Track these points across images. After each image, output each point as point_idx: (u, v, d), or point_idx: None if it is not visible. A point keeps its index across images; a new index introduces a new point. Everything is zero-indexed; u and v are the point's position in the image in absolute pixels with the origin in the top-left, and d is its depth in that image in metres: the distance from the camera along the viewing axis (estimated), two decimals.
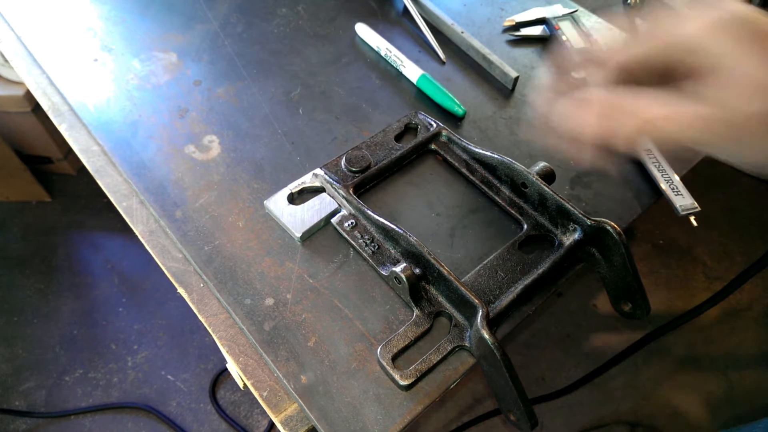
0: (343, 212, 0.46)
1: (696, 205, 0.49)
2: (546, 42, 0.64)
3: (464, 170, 0.51)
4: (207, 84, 0.57)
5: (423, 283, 0.43)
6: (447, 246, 0.47)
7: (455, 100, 0.55)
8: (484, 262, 0.44)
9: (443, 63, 0.61)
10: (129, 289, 1.39)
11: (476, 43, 0.61)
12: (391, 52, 0.60)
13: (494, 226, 0.48)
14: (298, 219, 0.46)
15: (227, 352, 0.42)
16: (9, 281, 1.39)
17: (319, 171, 0.49)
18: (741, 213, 1.55)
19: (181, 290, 0.45)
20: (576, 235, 0.44)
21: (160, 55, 0.59)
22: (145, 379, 1.26)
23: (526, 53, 0.63)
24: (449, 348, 0.40)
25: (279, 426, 0.40)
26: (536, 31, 0.65)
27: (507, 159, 0.47)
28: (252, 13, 0.65)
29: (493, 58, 0.60)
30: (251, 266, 0.45)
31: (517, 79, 0.58)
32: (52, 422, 1.20)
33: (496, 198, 0.49)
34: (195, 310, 0.44)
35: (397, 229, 0.42)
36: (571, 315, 1.36)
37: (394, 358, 0.39)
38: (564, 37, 0.61)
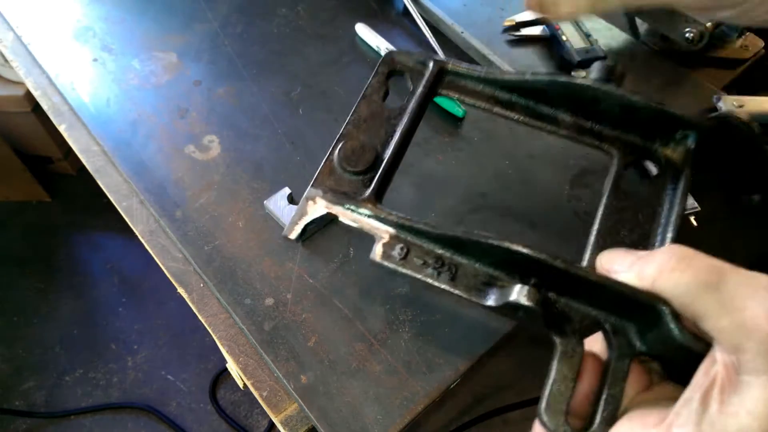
0: (381, 240, 0.34)
1: (696, 204, 0.49)
2: (546, 42, 0.64)
3: (498, 108, 0.39)
4: (207, 84, 0.57)
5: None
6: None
7: (455, 100, 0.55)
8: (594, 230, 0.34)
9: None
10: (129, 289, 1.39)
11: (476, 43, 0.61)
12: None
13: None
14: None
15: (227, 352, 0.42)
16: (9, 281, 1.39)
17: (314, 193, 0.37)
18: (741, 213, 1.55)
19: (181, 290, 0.45)
20: (689, 143, 0.35)
21: (160, 55, 0.59)
22: (145, 379, 1.26)
23: (526, 53, 0.63)
24: (626, 367, 0.28)
25: (279, 426, 0.40)
26: (536, 31, 0.65)
27: (560, 76, 0.35)
28: (252, 13, 0.65)
29: (493, 58, 0.60)
30: (251, 266, 0.45)
31: None
32: (52, 422, 1.20)
33: (558, 130, 0.38)
34: (195, 310, 0.44)
35: (484, 240, 0.30)
36: None
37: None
38: (564, 37, 0.61)
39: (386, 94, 0.41)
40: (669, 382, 0.28)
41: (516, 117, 0.38)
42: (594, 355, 0.29)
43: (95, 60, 0.58)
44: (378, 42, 0.61)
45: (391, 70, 0.41)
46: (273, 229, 0.47)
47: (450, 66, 0.40)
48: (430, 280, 0.33)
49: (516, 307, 0.29)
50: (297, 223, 0.37)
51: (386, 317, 0.42)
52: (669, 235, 0.33)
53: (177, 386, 1.26)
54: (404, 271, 0.33)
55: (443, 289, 0.32)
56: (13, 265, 1.42)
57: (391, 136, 0.39)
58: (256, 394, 0.41)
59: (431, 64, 0.40)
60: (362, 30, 0.62)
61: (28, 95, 1.28)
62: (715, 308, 0.23)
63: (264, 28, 0.63)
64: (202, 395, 1.24)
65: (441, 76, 0.40)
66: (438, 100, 0.56)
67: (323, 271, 0.45)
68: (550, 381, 0.28)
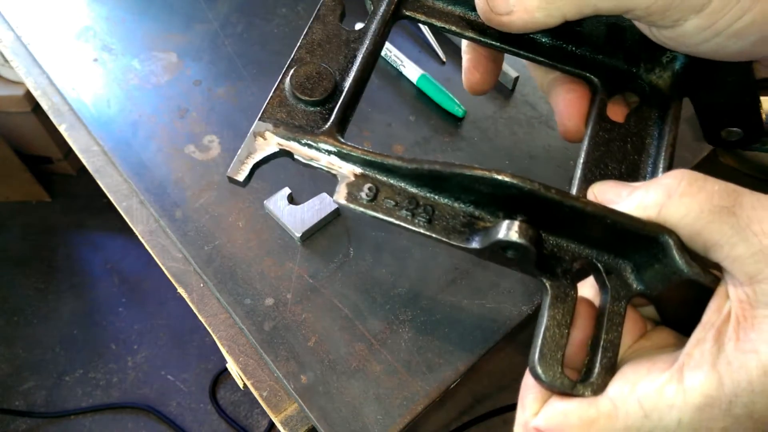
0: (346, 179, 0.29)
1: None
2: None
3: (471, 33, 0.34)
4: (207, 84, 0.57)
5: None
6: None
7: (455, 100, 0.55)
8: (580, 162, 0.31)
9: (443, 63, 0.61)
10: (129, 289, 1.39)
11: None
12: (391, 52, 0.60)
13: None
14: (298, 219, 0.46)
15: (227, 352, 0.42)
16: (9, 281, 1.39)
17: (263, 127, 0.32)
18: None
19: (181, 290, 0.45)
20: (677, 66, 0.32)
21: (160, 55, 0.59)
22: (145, 379, 1.26)
23: None
24: (622, 310, 0.25)
25: (279, 426, 0.40)
26: None
27: None
28: (252, 13, 0.65)
29: None
30: (251, 266, 0.45)
31: (517, 79, 0.58)
32: (52, 422, 1.20)
33: (536, 57, 0.34)
34: (195, 310, 0.44)
35: (468, 172, 0.26)
36: None
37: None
38: None
39: (343, 14, 0.36)
40: (665, 329, 0.26)
41: (490, 42, 0.34)
42: (586, 300, 0.27)
43: (95, 60, 0.58)
44: None
45: None
46: (273, 229, 0.47)
47: None
48: (403, 224, 0.28)
49: (505, 246, 0.26)
50: (244, 162, 0.31)
51: (386, 317, 0.42)
52: (661, 166, 0.30)
53: (177, 386, 1.26)
54: (373, 213, 0.29)
55: (419, 233, 0.28)
56: (13, 265, 1.42)
57: (352, 62, 0.33)
58: (256, 394, 0.41)
59: None
60: None
61: (28, 95, 1.28)
62: (729, 235, 0.21)
63: (264, 28, 0.63)
64: (202, 395, 1.24)
65: None
66: (438, 99, 0.56)
67: (323, 271, 0.45)
68: (542, 329, 0.25)
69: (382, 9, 0.35)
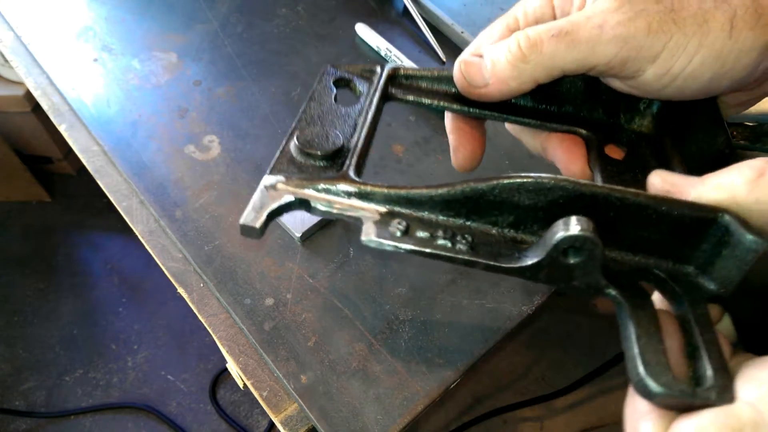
0: (371, 220, 0.27)
1: None
2: None
3: (456, 105, 0.35)
4: (207, 84, 0.57)
5: None
6: None
7: None
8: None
9: (443, 63, 0.61)
10: (129, 289, 1.39)
11: None
12: (391, 52, 0.60)
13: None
14: (298, 219, 0.46)
15: (227, 352, 0.42)
16: (9, 281, 1.39)
17: (273, 180, 0.29)
18: None
19: (181, 290, 0.45)
20: (654, 109, 0.33)
21: (160, 55, 0.59)
22: (145, 379, 1.26)
23: None
24: (705, 311, 0.23)
25: (279, 426, 0.40)
26: None
27: None
28: (252, 13, 0.65)
29: None
30: (251, 266, 0.45)
31: None
32: (52, 422, 1.20)
33: (522, 119, 0.35)
34: (195, 310, 0.44)
35: (507, 181, 0.25)
36: (571, 315, 1.36)
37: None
38: None
39: (335, 98, 0.36)
40: (745, 354, 0.23)
41: (476, 111, 0.34)
42: (663, 309, 0.24)
43: (95, 60, 0.58)
44: (378, 42, 0.61)
45: (338, 78, 0.36)
46: (273, 229, 0.47)
47: (401, 71, 0.36)
48: (445, 253, 0.25)
49: (568, 247, 0.23)
50: (260, 211, 0.29)
51: (386, 317, 0.42)
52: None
53: (177, 386, 1.26)
54: (410, 247, 0.26)
55: (463, 260, 0.25)
56: (13, 265, 1.42)
57: (353, 128, 0.33)
58: (256, 394, 0.41)
59: (379, 69, 0.36)
60: (362, 30, 0.62)
61: (28, 95, 1.28)
62: None
63: (264, 28, 0.63)
64: (202, 395, 1.24)
65: (393, 79, 0.36)
66: None
67: (323, 271, 0.45)
68: (634, 339, 0.22)
69: (372, 91, 0.35)
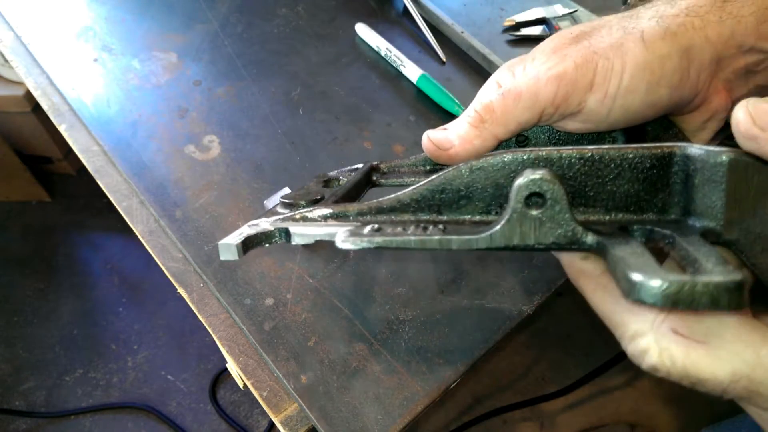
0: (344, 229, 0.26)
1: None
2: None
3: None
4: (207, 84, 0.57)
5: None
6: None
7: (455, 100, 0.55)
8: None
9: (443, 63, 0.61)
10: (129, 289, 1.39)
11: (476, 43, 0.61)
12: (391, 52, 0.60)
13: None
14: None
15: (227, 352, 0.42)
16: (9, 281, 1.39)
17: (256, 219, 0.30)
18: None
19: (181, 290, 0.45)
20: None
21: (160, 55, 0.59)
22: (145, 379, 1.26)
23: (526, 53, 0.63)
24: (700, 250, 0.21)
25: (279, 426, 0.40)
26: (536, 31, 0.65)
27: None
28: (252, 13, 0.65)
29: (493, 58, 0.60)
30: (251, 266, 0.45)
31: None
32: (52, 422, 1.20)
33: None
34: (195, 310, 0.44)
35: (466, 166, 0.26)
36: (571, 315, 1.36)
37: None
38: None
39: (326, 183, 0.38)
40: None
41: None
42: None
43: (95, 60, 0.58)
44: (378, 42, 0.61)
45: (326, 179, 0.38)
46: None
47: (383, 164, 0.38)
48: (418, 237, 0.24)
49: (530, 195, 0.22)
50: (240, 237, 0.28)
51: (386, 317, 0.42)
52: None
53: (177, 386, 1.26)
54: (383, 239, 0.25)
55: (437, 242, 0.24)
56: (13, 265, 1.42)
57: (336, 194, 0.33)
58: (256, 394, 0.41)
59: (359, 165, 0.38)
60: (362, 30, 0.62)
61: (28, 95, 1.28)
62: None
63: (264, 28, 0.63)
64: (202, 395, 1.24)
65: (375, 170, 0.38)
66: (438, 99, 0.56)
67: (323, 271, 0.45)
68: (625, 258, 0.20)
69: (353, 181, 0.35)
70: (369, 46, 0.62)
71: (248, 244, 0.27)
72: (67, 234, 1.48)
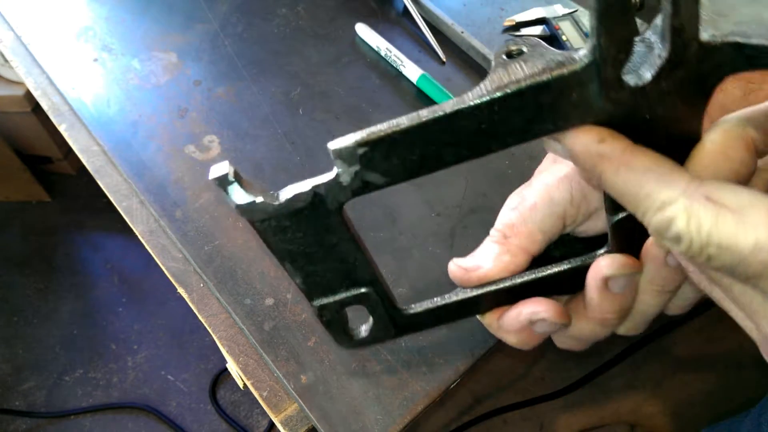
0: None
1: None
2: (546, 42, 0.64)
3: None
4: (207, 84, 0.57)
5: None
6: (447, 246, 0.47)
7: None
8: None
9: (443, 63, 0.61)
10: (129, 289, 1.39)
11: (476, 43, 0.61)
12: (391, 52, 0.60)
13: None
14: None
15: (227, 352, 0.42)
16: (9, 281, 1.39)
17: None
18: None
19: (181, 290, 0.45)
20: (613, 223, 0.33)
21: (160, 55, 0.59)
22: (145, 379, 1.26)
23: None
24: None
25: (279, 426, 0.40)
26: (536, 31, 0.65)
27: None
28: (252, 13, 0.65)
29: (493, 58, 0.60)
30: (251, 266, 0.45)
31: None
32: (52, 422, 1.20)
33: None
34: (195, 310, 0.44)
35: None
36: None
37: None
38: (564, 37, 0.61)
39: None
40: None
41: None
42: None
43: (95, 60, 0.58)
44: (378, 42, 0.61)
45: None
46: None
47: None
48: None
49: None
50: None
51: None
52: None
53: (177, 386, 1.26)
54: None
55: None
56: (13, 265, 1.42)
57: None
58: (256, 394, 0.41)
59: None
60: (362, 30, 0.62)
61: (28, 95, 1.28)
62: None
63: (264, 28, 0.63)
64: (202, 395, 1.24)
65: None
66: (438, 99, 0.56)
67: None
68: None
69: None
70: (369, 46, 0.62)
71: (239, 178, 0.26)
72: (67, 234, 1.48)
